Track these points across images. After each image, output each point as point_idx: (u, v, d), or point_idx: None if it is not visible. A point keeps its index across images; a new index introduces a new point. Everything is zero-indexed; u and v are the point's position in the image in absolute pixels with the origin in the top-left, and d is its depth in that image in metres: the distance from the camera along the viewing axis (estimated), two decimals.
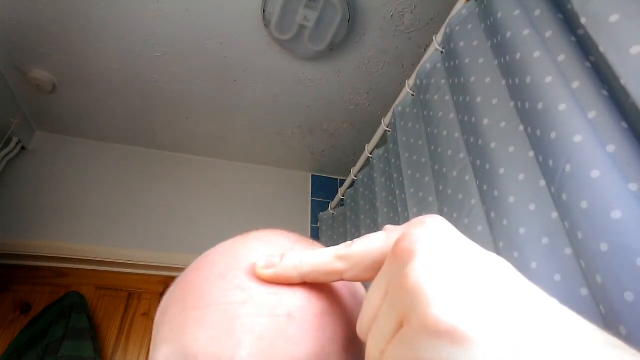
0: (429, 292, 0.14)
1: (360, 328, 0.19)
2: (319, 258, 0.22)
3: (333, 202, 1.73)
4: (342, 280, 0.22)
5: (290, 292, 0.22)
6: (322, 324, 0.22)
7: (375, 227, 1.22)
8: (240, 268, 0.24)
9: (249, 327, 0.21)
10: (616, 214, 0.44)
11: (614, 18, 0.49)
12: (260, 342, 0.20)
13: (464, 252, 0.17)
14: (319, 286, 0.24)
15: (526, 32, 0.64)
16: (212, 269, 0.24)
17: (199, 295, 0.23)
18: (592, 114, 0.52)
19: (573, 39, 0.59)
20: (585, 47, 0.57)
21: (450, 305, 0.14)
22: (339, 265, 0.21)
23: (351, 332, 0.23)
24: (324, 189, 1.97)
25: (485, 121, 0.71)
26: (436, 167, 0.88)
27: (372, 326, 0.18)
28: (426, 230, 0.18)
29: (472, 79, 0.78)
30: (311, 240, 0.29)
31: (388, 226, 0.22)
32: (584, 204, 0.47)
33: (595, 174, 0.47)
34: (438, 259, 0.16)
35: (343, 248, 0.22)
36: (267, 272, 0.22)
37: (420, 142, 1.00)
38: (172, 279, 1.75)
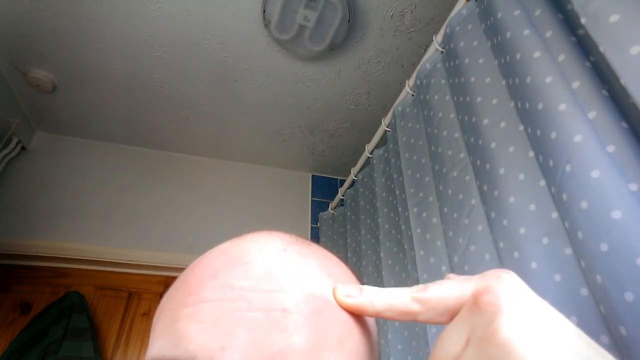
0: (521, 349, 0.16)
1: None
2: (396, 298, 0.23)
3: (333, 202, 1.73)
4: (415, 321, 0.22)
5: (284, 290, 0.23)
6: (317, 320, 0.22)
7: (376, 227, 1.22)
8: (233, 269, 0.24)
9: (241, 320, 0.21)
10: (616, 214, 0.44)
11: (614, 18, 0.49)
12: (253, 332, 0.21)
13: (541, 310, 0.19)
14: (314, 287, 0.24)
15: (526, 32, 0.63)
16: (206, 269, 0.25)
17: (191, 293, 0.24)
18: (592, 114, 0.52)
19: (573, 39, 0.59)
20: (585, 47, 0.57)
21: None
22: (414, 307, 0.22)
23: (346, 331, 0.23)
24: (324, 189, 1.97)
25: (485, 121, 0.71)
26: (436, 167, 0.88)
27: None
28: (507, 286, 0.19)
29: (472, 79, 0.78)
30: (307, 242, 0.30)
31: (452, 275, 0.24)
32: (584, 204, 0.47)
33: (595, 174, 0.47)
34: (523, 316, 0.18)
35: (417, 292, 0.23)
36: (347, 301, 0.24)
37: (420, 142, 1.00)
38: (172, 279, 1.75)
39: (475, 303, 0.19)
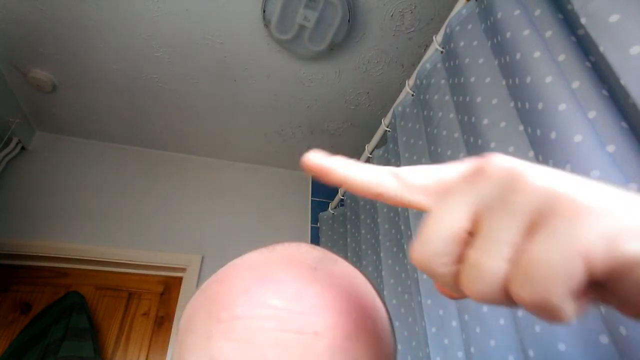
0: (565, 188, 0.15)
1: (430, 252, 0.17)
2: (371, 167, 0.21)
3: (333, 202, 1.73)
4: (387, 193, 0.20)
5: (316, 313, 0.23)
6: (348, 346, 0.22)
7: (375, 227, 1.22)
8: (264, 286, 0.24)
9: (274, 341, 0.21)
10: None
11: (614, 18, 0.49)
12: (286, 354, 0.21)
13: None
14: (344, 311, 0.24)
15: (526, 32, 0.64)
16: (236, 283, 0.25)
17: (223, 307, 0.24)
18: (592, 114, 0.52)
19: (573, 39, 0.59)
20: (585, 47, 0.57)
21: (594, 191, 0.15)
22: (389, 179, 0.20)
23: (375, 355, 0.24)
24: (324, 189, 1.97)
25: (485, 121, 0.71)
26: None
27: (452, 247, 0.17)
28: (504, 157, 0.17)
29: (472, 78, 0.78)
30: (335, 257, 0.29)
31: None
32: None
33: (595, 174, 0.47)
34: (544, 169, 0.16)
35: (395, 169, 0.21)
36: (313, 161, 0.21)
37: (420, 142, 1.00)
38: (172, 278, 1.74)
39: (479, 173, 0.17)
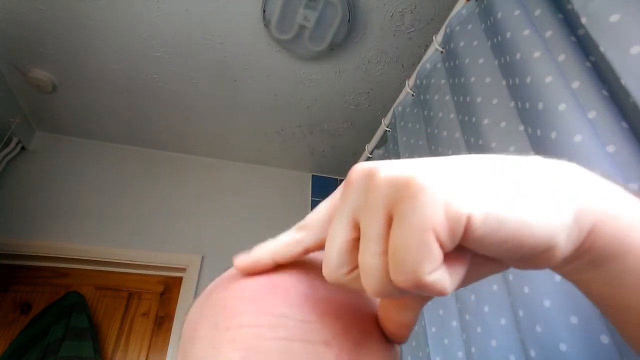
0: (404, 173, 0.16)
1: (331, 268, 0.19)
2: (280, 238, 0.24)
3: None
4: (305, 247, 0.23)
5: (324, 320, 0.23)
6: (358, 355, 0.22)
7: None
8: (272, 293, 0.24)
9: (281, 350, 0.21)
10: None
11: (614, 18, 0.49)
12: None
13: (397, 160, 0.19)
14: (353, 319, 0.24)
15: (526, 32, 0.64)
16: (243, 291, 0.25)
17: (230, 315, 0.23)
18: (592, 114, 0.52)
19: (573, 39, 0.59)
20: (585, 47, 0.58)
21: (423, 168, 0.16)
22: (299, 234, 0.23)
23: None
24: (324, 189, 1.97)
25: (485, 121, 0.71)
26: None
27: (346, 257, 0.19)
28: (359, 164, 0.19)
29: (472, 78, 0.78)
30: None
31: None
32: None
33: None
34: (387, 162, 0.18)
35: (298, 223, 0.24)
36: (243, 264, 0.24)
37: (421, 142, 1.00)
38: (172, 279, 1.74)
39: (346, 185, 0.19)
